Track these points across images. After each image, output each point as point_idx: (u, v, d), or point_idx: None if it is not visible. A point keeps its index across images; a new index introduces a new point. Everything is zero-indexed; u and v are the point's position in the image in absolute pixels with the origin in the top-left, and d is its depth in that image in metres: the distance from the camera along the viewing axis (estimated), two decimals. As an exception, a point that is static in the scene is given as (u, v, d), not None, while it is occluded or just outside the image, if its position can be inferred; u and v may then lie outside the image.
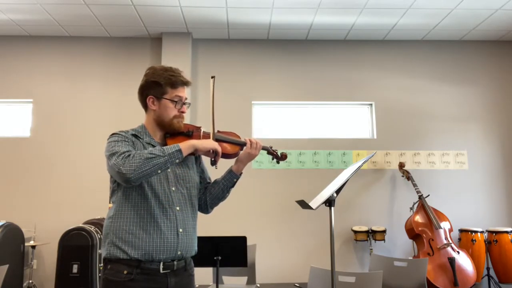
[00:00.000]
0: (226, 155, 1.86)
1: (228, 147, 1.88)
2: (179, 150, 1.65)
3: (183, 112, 1.83)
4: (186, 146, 1.68)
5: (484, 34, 5.32)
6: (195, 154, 1.92)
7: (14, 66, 5.24)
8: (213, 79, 1.95)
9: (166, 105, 1.79)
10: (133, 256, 1.62)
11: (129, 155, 1.60)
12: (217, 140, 1.86)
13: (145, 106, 1.84)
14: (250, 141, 1.89)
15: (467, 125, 5.32)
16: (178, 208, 1.72)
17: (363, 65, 5.42)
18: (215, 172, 2.02)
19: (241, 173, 1.93)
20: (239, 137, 1.94)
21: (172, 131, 1.83)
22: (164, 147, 1.65)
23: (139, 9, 4.62)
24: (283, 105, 5.41)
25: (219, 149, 1.73)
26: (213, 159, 1.76)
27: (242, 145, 1.90)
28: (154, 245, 1.64)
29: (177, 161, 1.66)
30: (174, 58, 5.10)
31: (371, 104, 5.41)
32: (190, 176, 1.83)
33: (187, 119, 1.94)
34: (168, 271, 1.68)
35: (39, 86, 5.21)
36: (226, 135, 1.92)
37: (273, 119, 5.41)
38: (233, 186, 1.93)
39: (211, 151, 1.73)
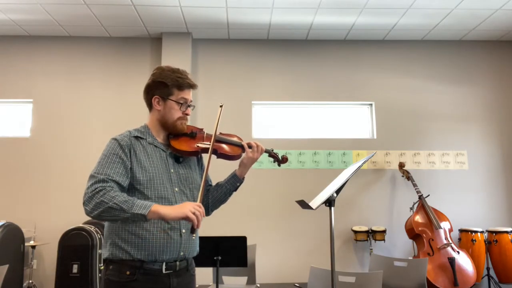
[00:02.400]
0: (228, 157, 1.88)
1: (230, 149, 1.89)
2: (144, 216, 1.52)
3: (187, 114, 1.83)
4: (153, 213, 1.53)
5: (484, 34, 5.32)
6: (197, 155, 1.93)
7: (14, 66, 5.24)
8: (221, 107, 1.93)
9: (171, 106, 1.80)
10: (136, 257, 1.62)
11: (100, 191, 1.55)
12: (218, 141, 1.87)
13: (150, 106, 1.84)
14: (252, 144, 1.91)
15: (467, 125, 5.32)
16: None
17: (363, 65, 5.42)
18: (217, 175, 2.02)
19: (244, 177, 1.94)
20: (242, 140, 1.96)
21: (175, 132, 1.83)
22: (136, 203, 1.54)
23: (139, 9, 4.61)
24: (283, 105, 5.41)
25: (191, 216, 1.52)
26: (191, 227, 1.58)
27: (243, 147, 1.91)
28: (158, 246, 1.63)
29: (139, 222, 1.59)
30: (174, 58, 5.09)
31: (371, 104, 5.40)
32: (193, 177, 1.84)
33: (187, 119, 1.94)
34: (171, 271, 1.68)
35: (39, 86, 5.21)
36: (228, 137, 1.93)
37: (273, 119, 5.41)
38: (235, 190, 1.94)
39: (185, 218, 1.54)
